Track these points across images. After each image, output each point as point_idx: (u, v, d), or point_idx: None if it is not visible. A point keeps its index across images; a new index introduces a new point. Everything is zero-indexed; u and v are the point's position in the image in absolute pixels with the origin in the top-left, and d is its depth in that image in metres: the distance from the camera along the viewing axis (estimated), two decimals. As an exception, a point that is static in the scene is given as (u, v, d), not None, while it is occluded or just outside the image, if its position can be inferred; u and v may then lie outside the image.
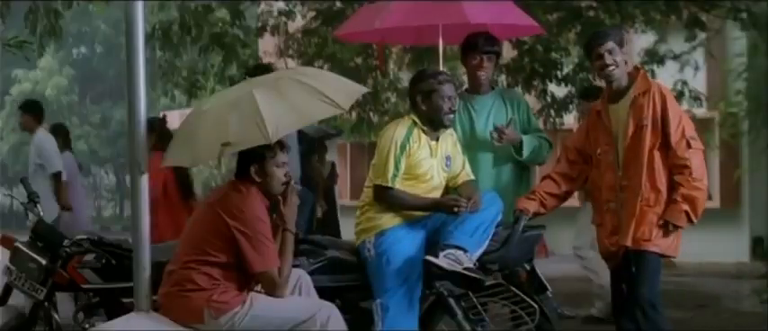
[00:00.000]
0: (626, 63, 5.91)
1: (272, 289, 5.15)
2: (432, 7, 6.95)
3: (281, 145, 5.21)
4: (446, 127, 5.91)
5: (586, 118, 6.25)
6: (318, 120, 5.76)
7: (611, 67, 5.84)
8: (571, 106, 13.45)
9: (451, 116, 5.89)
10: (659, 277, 5.86)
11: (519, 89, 13.23)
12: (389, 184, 5.76)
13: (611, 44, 5.83)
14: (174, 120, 9.97)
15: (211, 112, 5.32)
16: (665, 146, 5.79)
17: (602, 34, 5.95)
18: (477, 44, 6.38)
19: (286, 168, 5.25)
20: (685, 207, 5.73)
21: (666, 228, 5.75)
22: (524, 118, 6.41)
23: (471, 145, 6.28)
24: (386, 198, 5.79)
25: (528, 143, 6.25)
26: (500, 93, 6.48)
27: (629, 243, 5.77)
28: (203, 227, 5.17)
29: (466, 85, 6.66)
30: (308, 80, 5.36)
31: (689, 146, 5.77)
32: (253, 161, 5.19)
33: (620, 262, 5.90)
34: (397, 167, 5.76)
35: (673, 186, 5.77)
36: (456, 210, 5.67)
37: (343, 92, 5.41)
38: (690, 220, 5.77)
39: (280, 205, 5.29)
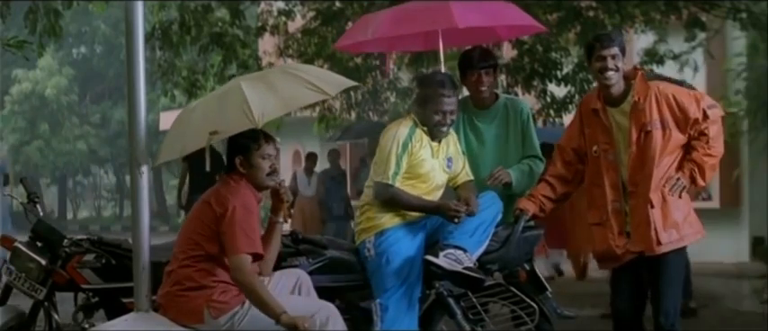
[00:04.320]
0: (622, 70, 5.89)
1: (238, 274, 5.04)
2: (420, 13, 6.88)
3: (266, 137, 5.24)
4: (435, 137, 5.87)
5: (577, 115, 6.19)
6: (305, 105, 5.82)
7: (612, 72, 5.80)
8: (571, 106, 13.45)
9: (444, 128, 5.85)
10: (682, 278, 5.88)
11: (518, 91, 13.23)
12: (390, 182, 5.76)
13: (615, 49, 5.79)
14: (172, 120, 9.96)
15: (200, 106, 5.51)
16: (683, 145, 5.80)
17: (608, 38, 5.89)
18: (472, 61, 6.26)
19: (271, 160, 5.27)
20: (692, 167, 5.75)
21: (677, 183, 5.74)
22: (520, 130, 6.29)
23: (477, 158, 6.21)
24: (386, 195, 5.79)
25: (515, 178, 6.13)
26: (504, 104, 6.35)
27: (652, 250, 5.74)
28: (196, 221, 5.20)
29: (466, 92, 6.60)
30: (294, 71, 5.55)
31: (706, 116, 5.77)
32: (238, 153, 5.22)
33: (627, 265, 5.86)
34: (398, 165, 5.76)
35: (688, 150, 5.79)
36: (456, 220, 5.68)
37: (329, 82, 5.52)
38: (694, 181, 5.78)
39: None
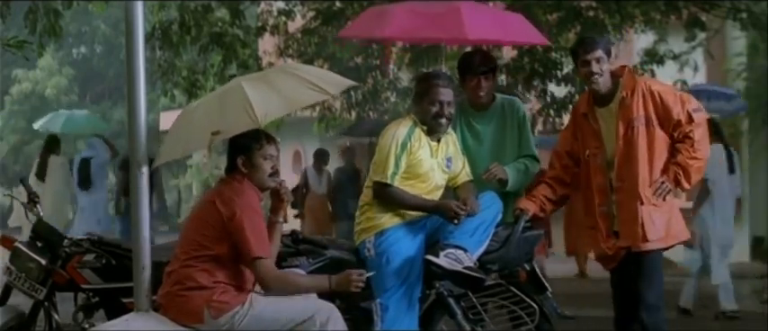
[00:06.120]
0: (607, 72, 5.90)
1: (265, 279, 5.10)
2: (432, 21, 6.87)
3: (267, 137, 5.25)
4: (435, 131, 5.88)
5: (571, 120, 6.21)
6: (306, 105, 5.87)
7: (597, 76, 5.84)
8: (571, 106, 13.44)
9: (442, 120, 5.84)
10: (661, 275, 5.88)
11: (519, 91, 13.23)
12: (389, 181, 5.76)
13: (599, 53, 5.83)
14: (172, 120, 9.97)
15: (201, 107, 5.49)
16: (669, 140, 5.81)
17: (591, 41, 5.93)
18: (472, 65, 6.23)
19: (273, 161, 5.27)
20: (677, 170, 5.78)
21: (661, 187, 5.77)
22: (516, 130, 6.26)
23: (474, 158, 6.20)
24: (385, 195, 5.79)
25: (511, 176, 6.10)
26: (501, 105, 6.32)
27: (638, 246, 5.77)
28: (199, 221, 5.19)
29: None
30: (294, 71, 5.58)
31: (691, 119, 5.79)
32: (239, 153, 5.22)
33: (621, 264, 5.88)
34: (397, 165, 5.76)
35: (673, 153, 5.81)
36: (456, 221, 5.67)
37: (330, 82, 5.54)
38: (678, 184, 5.80)
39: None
